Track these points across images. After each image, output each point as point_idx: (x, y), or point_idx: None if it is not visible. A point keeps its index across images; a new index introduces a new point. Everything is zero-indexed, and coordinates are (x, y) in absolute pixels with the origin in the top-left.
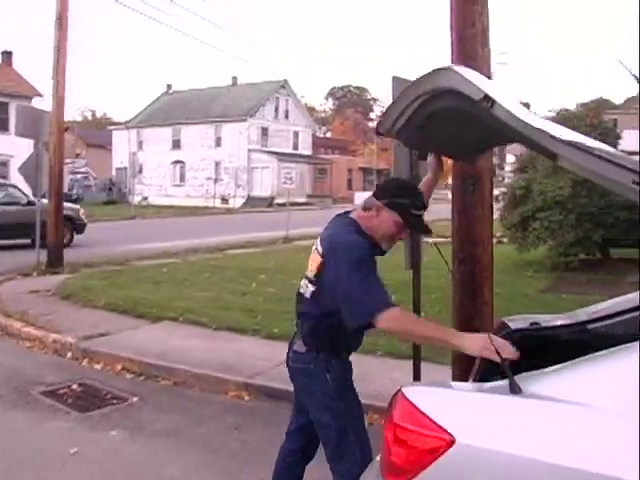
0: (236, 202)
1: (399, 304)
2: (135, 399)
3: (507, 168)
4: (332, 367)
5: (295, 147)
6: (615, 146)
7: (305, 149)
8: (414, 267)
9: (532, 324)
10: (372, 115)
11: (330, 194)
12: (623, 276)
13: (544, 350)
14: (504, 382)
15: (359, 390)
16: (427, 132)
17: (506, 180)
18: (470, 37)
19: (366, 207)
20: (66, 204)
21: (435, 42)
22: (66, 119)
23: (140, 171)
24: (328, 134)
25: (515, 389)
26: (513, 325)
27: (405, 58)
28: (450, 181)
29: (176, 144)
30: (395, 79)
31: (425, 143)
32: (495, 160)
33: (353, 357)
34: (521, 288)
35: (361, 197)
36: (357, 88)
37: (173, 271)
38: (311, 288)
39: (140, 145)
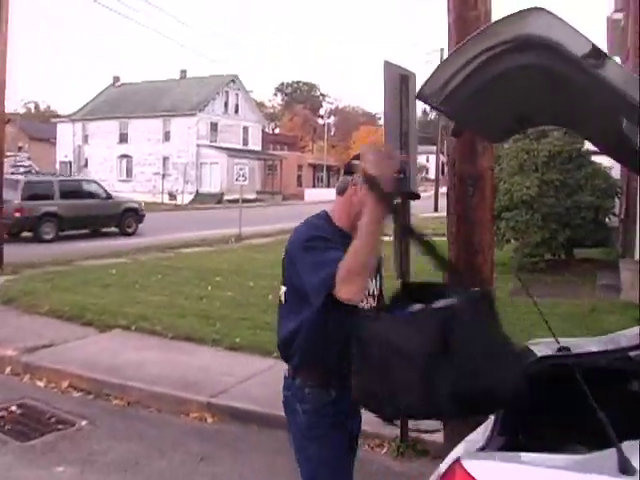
0: (184, 198)
1: None
2: (84, 423)
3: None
4: (306, 397)
5: (245, 143)
6: (580, 146)
7: (255, 145)
8: (403, 276)
9: (561, 349)
10: (321, 111)
11: (280, 191)
12: (589, 278)
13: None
14: (597, 454)
15: None
16: (483, 100)
17: None
18: (472, 20)
19: (340, 190)
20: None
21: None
22: (7, 111)
23: (85, 165)
24: (277, 130)
25: (628, 467)
26: (538, 351)
27: (357, 55)
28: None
29: (123, 138)
30: (387, 64)
31: (474, 115)
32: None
33: None
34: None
35: (311, 194)
36: (306, 84)
37: (122, 272)
38: (283, 288)
39: (86, 139)
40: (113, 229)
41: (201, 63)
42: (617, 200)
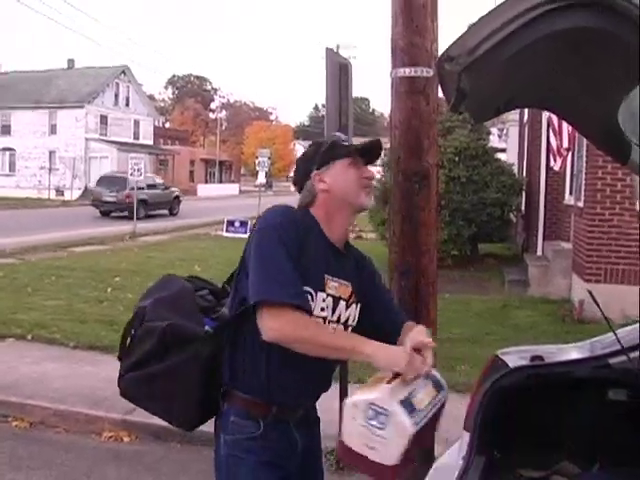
0: (73, 194)
1: (303, 304)
2: None
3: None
4: (229, 426)
5: (136, 137)
6: (485, 143)
7: (146, 139)
8: None
9: (534, 358)
10: (213, 105)
11: (172, 186)
12: (494, 273)
13: (557, 393)
14: None
15: None
16: (517, 69)
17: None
18: (419, 7)
19: (308, 198)
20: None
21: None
22: None
23: None
24: (167, 124)
25: None
26: (510, 361)
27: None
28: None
29: (5, 130)
30: (329, 51)
31: (487, 88)
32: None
33: None
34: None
35: (204, 189)
36: (198, 78)
37: (11, 275)
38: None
39: None
40: (164, 211)
41: (90, 54)
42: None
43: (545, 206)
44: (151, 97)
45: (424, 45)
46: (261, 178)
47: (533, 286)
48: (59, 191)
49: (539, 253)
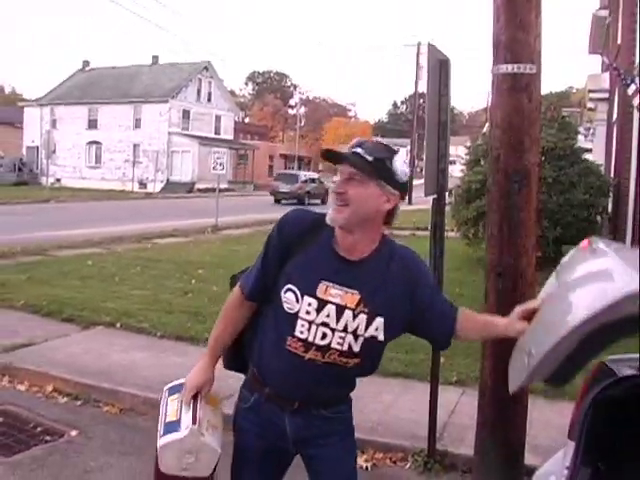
0: (155, 186)
1: (243, 287)
2: (74, 433)
3: (457, 160)
4: (239, 393)
5: (217, 131)
6: (573, 142)
7: (227, 134)
8: (437, 279)
9: None
10: (292, 102)
11: (251, 180)
12: None
13: None
14: None
15: None
16: None
17: (456, 173)
18: (522, 1)
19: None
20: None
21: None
22: None
23: (54, 151)
24: (247, 120)
25: None
26: (618, 369)
27: (330, 47)
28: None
29: (92, 124)
30: (430, 47)
31: None
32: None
33: None
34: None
35: None
36: (278, 74)
37: (99, 264)
38: None
39: (54, 124)
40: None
41: (173, 51)
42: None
43: (634, 208)
44: (232, 93)
45: (527, 41)
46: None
47: None
48: (142, 184)
49: None
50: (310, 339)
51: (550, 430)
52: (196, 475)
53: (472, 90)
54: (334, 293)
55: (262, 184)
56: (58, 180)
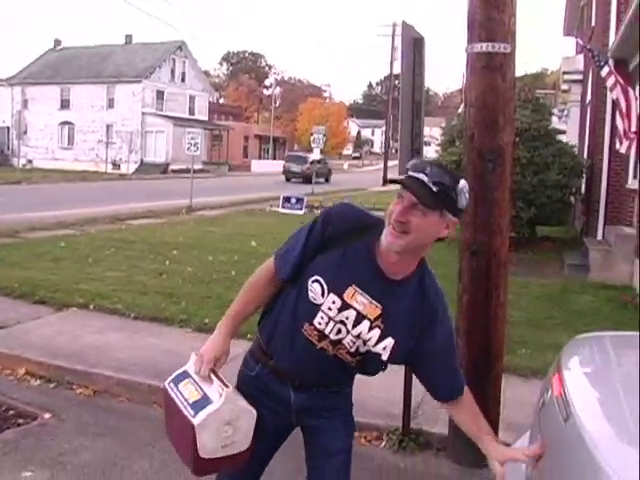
0: (129, 167)
1: (279, 267)
2: (47, 416)
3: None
4: (243, 359)
5: (191, 112)
6: (547, 123)
7: (201, 114)
8: None
9: None
10: (267, 82)
11: (226, 162)
12: (552, 256)
13: None
14: None
15: None
16: None
17: (431, 154)
18: None
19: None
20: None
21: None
22: None
23: (25, 132)
24: (222, 100)
25: None
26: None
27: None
28: (346, 151)
29: (65, 104)
30: (405, 24)
31: None
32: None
33: None
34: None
35: (258, 165)
36: (252, 54)
37: (72, 245)
38: None
39: (25, 104)
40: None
41: (147, 29)
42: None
43: (607, 190)
44: (206, 73)
45: (502, 20)
46: (316, 154)
47: (594, 271)
48: (115, 165)
49: (599, 237)
50: (326, 332)
51: (523, 408)
52: (238, 450)
53: (447, 72)
54: (359, 300)
55: (237, 165)
56: (30, 161)
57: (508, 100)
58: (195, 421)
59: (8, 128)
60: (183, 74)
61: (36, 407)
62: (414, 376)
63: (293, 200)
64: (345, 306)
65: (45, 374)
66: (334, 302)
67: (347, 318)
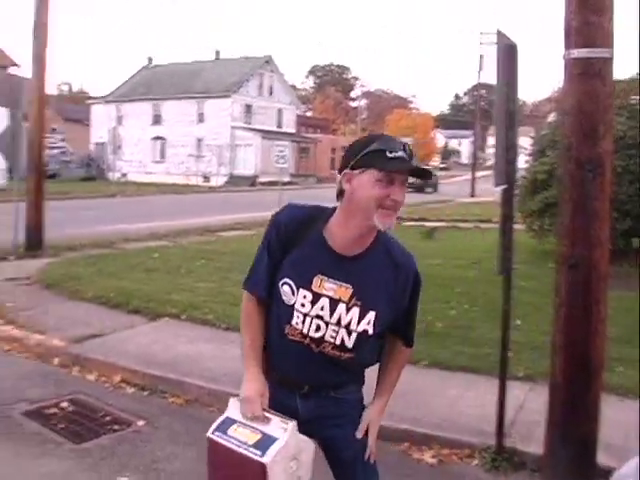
0: (218, 180)
1: (255, 291)
2: (141, 423)
3: (520, 151)
4: None
5: (279, 125)
6: None
7: (289, 127)
8: (506, 272)
9: None
10: (353, 94)
11: (314, 173)
12: None
13: None
14: None
15: (408, 414)
16: None
17: (520, 164)
18: None
19: (337, 191)
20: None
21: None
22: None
23: (119, 147)
24: (309, 113)
25: None
26: None
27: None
28: (433, 163)
29: (156, 119)
30: (499, 33)
31: None
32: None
33: None
34: (548, 282)
35: None
36: (339, 67)
37: (165, 256)
38: None
39: (119, 120)
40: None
41: (234, 45)
42: None
43: None
44: (293, 86)
45: (601, 23)
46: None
47: None
48: (205, 177)
49: None
50: (305, 331)
51: (621, 428)
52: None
53: (536, 79)
54: (328, 287)
55: (324, 177)
56: (124, 175)
57: (608, 107)
58: (265, 459)
59: (104, 144)
60: (271, 88)
61: (131, 414)
62: (507, 391)
63: None
64: (316, 297)
65: (139, 382)
66: (305, 297)
67: (322, 308)
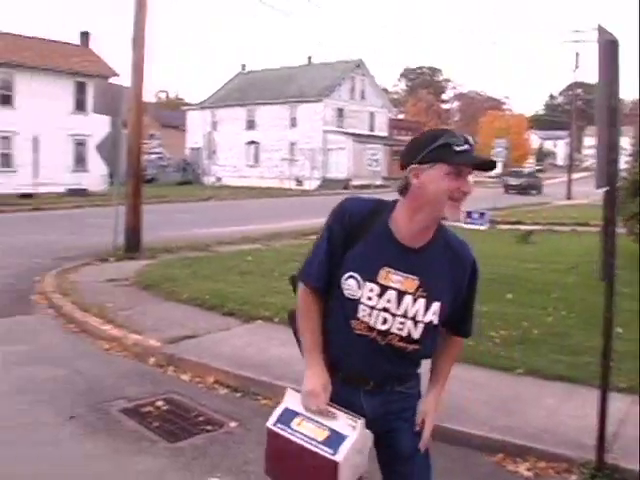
0: (311, 184)
1: (312, 283)
2: (233, 425)
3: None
4: None
5: (371, 128)
6: None
7: (381, 130)
8: (608, 278)
9: None
10: (445, 97)
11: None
12: None
13: None
14: None
15: (503, 424)
16: None
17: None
18: None
19: (401, 185)
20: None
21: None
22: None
23: (214, 151)
24: (401, 116)
25: None
26: None
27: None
28: (528, 165)
29: (250, 124)
30: (600, 28)
31: None
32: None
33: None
34: None
35: None
36: (430, 69)
37: (258, 259)
38: None
39: (214, 125)
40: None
41: (324, 50)
42: None
43: None
44: (385, 90)
45: None
46: (498, 168)
47: None
48: (299, 181)
49: None
50: (372, 324)
51: None
52: (360, 474)
53: (634, 76)
54: (395, 279)
55: None
56: (219, 179)
57: None
58: (338, 457)
59: (200, 149)
60: (362, 91)
61: (223, 415)
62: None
63: (475, 215)
64: (383, 289)
65: (232, 384)
66: (372, 290)
67: (389, 301)
